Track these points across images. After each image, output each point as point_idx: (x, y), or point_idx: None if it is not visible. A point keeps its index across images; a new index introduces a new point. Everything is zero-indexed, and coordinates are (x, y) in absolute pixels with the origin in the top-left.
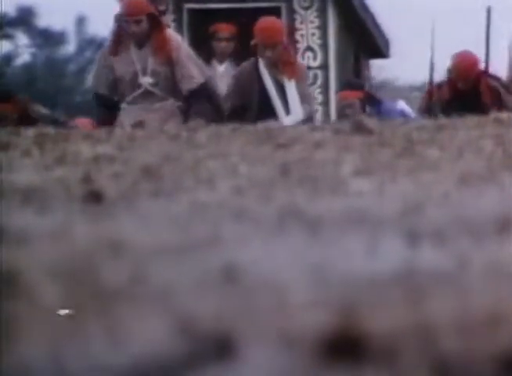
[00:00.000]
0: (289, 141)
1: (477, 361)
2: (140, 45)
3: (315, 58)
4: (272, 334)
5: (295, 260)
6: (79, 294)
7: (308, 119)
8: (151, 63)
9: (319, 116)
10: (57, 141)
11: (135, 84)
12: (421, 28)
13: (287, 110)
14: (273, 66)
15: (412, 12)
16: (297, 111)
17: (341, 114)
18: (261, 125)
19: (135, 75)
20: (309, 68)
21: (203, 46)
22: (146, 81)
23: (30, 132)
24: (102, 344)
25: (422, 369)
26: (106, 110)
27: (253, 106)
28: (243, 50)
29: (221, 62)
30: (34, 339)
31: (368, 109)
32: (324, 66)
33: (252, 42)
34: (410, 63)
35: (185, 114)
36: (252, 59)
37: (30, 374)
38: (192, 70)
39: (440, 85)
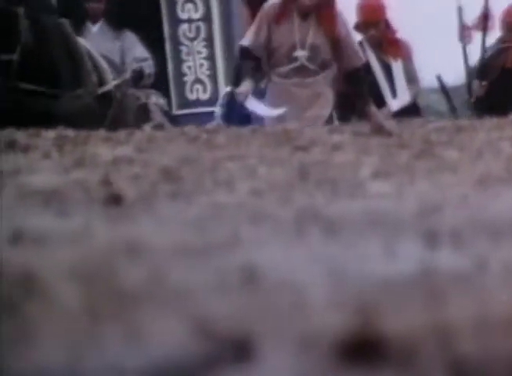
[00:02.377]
0: (307, 143)
1: (495, 363)
2: (304, 17)
3: (196, 10)
4: (291, 336)
5: (314, 262)
6: (98, 295)
7: (414, 101)
8: (311, 36)
9: (205, 70)
10: (77, 143)
11: (290, 56)
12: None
13: (394, 93)
14: (377, 45)
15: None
16: (405, 94)
17: (240, 75)
18: (279, 127)
19: (293, 48)
20: (191, 21)
21: (75, 7)
22: (303, 54)
23: (50, 134)
24: (121, 345)
25: (440, 370)
26: (253, 71)
27: None
28: (119, 11)
29: (94, 23)
30: (53, 341)
31: None
32: (207, 18)
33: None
34: (428, 66)
35: (342, 92)
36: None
37: (46, 371)
38: (357, 48)
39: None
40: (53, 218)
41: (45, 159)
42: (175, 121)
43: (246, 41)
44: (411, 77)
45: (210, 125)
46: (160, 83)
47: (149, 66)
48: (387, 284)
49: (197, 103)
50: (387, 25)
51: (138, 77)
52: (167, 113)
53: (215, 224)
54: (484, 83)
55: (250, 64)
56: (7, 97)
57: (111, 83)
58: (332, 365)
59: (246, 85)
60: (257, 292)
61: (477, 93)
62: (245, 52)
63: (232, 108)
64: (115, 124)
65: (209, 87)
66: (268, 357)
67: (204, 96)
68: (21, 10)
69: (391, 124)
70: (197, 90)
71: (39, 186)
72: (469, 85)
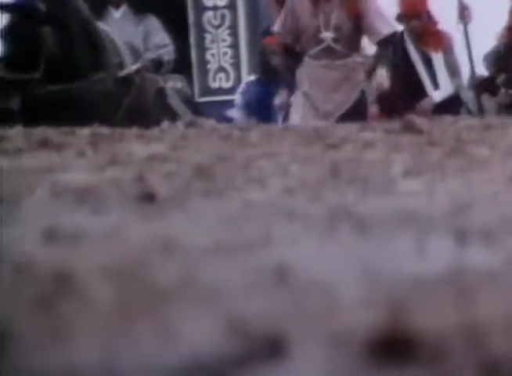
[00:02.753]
0: (339, 141)
1: None
2: None
3: None
4: (322, 334)
5: (345, 260)
6: (132, 293)
7: (456, 93)
8: (334, 17)
9: (228, 59)
10: (111, 141)
11: (317, 38)
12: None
13: (436, 85)
14: (418, 37)
15: None
16: (447, 85)
17: (264, 62)
18: (310, 125)
19: (318, 29)
20: (216, 8)
21: None
22: (328, 36)
23: (84, 132)
24: (154, 343)
25: (471, 369)
26: (289, 59)
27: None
28: None
29: (116, 8)
30: (87, 338)
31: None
32: (232, 6)
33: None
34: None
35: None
36: (396, 32)
37: (82, 372)
38: (378, 23)
39: None
40: (87, 216)
41: (80, 157)
42: (197, 108)
43: (275, 27)
44: (453, 70)
45: (229, 113)
46: (183, 70)
47: (168, 53)
48: (418, 282)
49: (220, 91)
50: (429, 16)
51: (157, 65)
52: (188, 99)
53: (247, 222)
54: (510, 91)
55: (286, 61)
56: (31, 95)
57: (131, 67)
58: (362, 363)
59: (282, 96)
60: (288, 290)
61: (504, 101)
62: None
63: (256, 98)
64: (133, 110)
65: (232, 75)
66: (299, 355)
67: (227, 85)
68: (46, 29)
69: (422, 122)
70: (220, 78)
71: (73, 183)
72: (472, 71)
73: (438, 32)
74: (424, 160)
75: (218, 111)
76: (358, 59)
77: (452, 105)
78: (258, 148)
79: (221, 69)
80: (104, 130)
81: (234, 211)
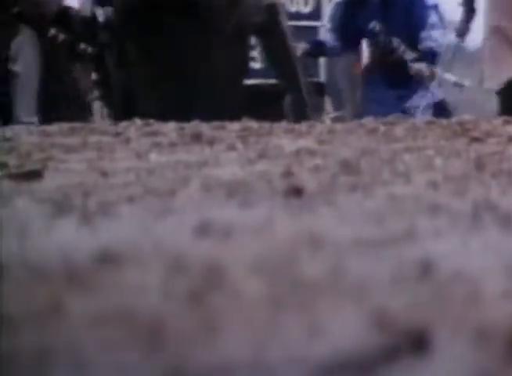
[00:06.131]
0: (483, 134)
1: None
2: None
3: None
4: (466, 327)
5: (489, 253)
6: (280, 286)
7: None
8: None
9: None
10: (260, 135)
11: None
12: None
13: None
14: None
15: None
16: None
17: None
18: (455, 119)
19: None
20: None
21: None
22: None
23: (234, 126)
24: (303, 337)
25: None
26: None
27: None
28: None
29: None
30: (237, 331)
31: None
32: None
33: None
34: None
35: None
36: None
37: (232, 366)
38: None
39: None
40: (237, 210)
41: (230, 151)
42: None
43: None
44: None
45: (321, 37)
46: None
47: None
48: None
49: (297, 16)
50: None
51: None
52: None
53: (392, 216)
54: None
55: None
56: None
57: None
58: (507, 357)
59: (462, 19)
60: (432, 284)
61: None
62: None
63: (340, 21)
64: (242, 23)
65: None
66: (443, 348)
67: (305, 9)
68: None
69: None
70: (298, 2)
71: (224, 177)
72: None
73: None
74: None
75: (295, 37)
76: None
77: None
78: (403, 142)
79: None
80: (253, 124)
81: (379, 206)
